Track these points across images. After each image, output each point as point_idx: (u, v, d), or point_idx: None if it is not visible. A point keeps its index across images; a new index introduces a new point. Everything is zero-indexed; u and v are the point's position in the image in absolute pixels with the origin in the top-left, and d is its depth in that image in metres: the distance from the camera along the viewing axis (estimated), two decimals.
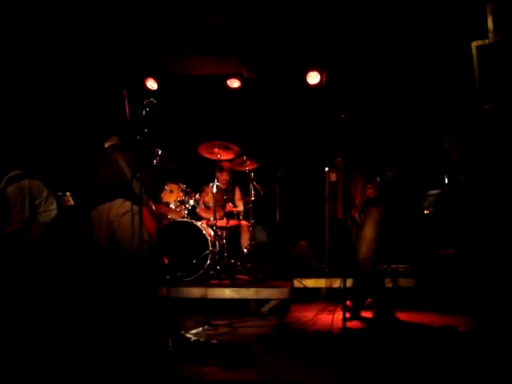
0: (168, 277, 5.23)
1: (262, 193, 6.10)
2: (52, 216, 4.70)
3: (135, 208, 3.86)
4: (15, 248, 4.53)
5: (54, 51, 6.05)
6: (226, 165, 6.16)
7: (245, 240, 6.14)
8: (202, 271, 5.32)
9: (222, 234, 5.92)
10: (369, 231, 4.20)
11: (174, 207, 5.69)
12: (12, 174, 4.62)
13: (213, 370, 2.90)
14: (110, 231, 4.14)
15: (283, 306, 4.81)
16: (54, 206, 4.77)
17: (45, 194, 4.74)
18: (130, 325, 3.80)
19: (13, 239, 4.51)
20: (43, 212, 4.65)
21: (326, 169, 6.10)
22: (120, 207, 4.03)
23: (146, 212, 4.10)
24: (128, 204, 4.02)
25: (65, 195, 5.34)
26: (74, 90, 6.71)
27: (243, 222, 6.23)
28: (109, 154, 4.21)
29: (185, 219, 5.58)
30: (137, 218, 3.69)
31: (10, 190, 4.48)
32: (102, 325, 3.98)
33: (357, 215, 4.25)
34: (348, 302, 4.44)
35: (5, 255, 4.46)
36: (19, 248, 4.53)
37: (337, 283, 5.36)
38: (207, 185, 6.05)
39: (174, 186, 5.76)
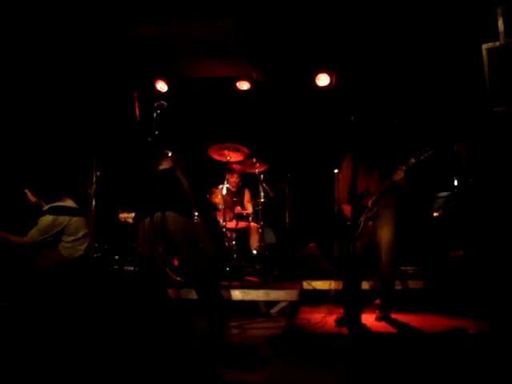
0: (178, 278, 5.27)
1: (271, 195, 6.10)
2: (76, 255, 4.54)
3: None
4: (27, 268, 4.51)
5: (63, 53, 6.11)
6: (237, 167, 6.18)
7: (254, 242, 6.15)
8: None
9: (232, 235, 5.93)
10: (387, 235, 4.21)
11: None
12: (60, 203, 4.55)
13: (222, 370, 2.92)
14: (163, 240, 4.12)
15: (292, 308, 4.82)
16: (84, 247, 4.60)
17: (81, 233, 4.59)
18: (141, 326, 3.83)
19: (27, 260, 4.51)
20: (70, 248, 4.52)
21: (336, 170, 6.11)
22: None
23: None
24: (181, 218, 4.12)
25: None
26: (85, 93, 6.78)
27: (252, 224, 6.24)
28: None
29: None
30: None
31: (46, 218, 4.44)
32: (113, 326, 4.03)
33: (370, 202, 4.17)
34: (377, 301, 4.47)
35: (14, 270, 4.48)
36: (32, 264, 4.50)
37: None
38: (217, 187, 6.07)
39: None
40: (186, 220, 4.10)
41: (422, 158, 4.02)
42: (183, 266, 5.14)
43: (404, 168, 4.06)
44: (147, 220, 3.89)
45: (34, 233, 4.43)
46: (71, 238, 4.54)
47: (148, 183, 4.01)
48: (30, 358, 3.14)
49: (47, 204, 4.56)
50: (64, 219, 4.50)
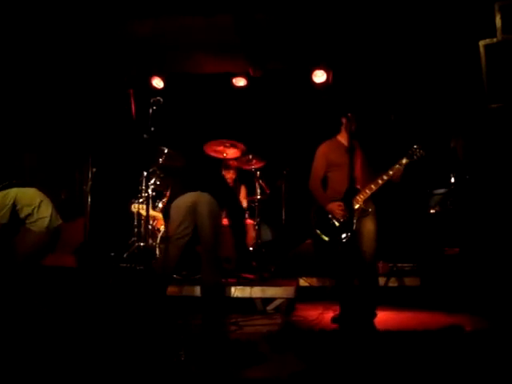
0: (174, 275, 5.25)
1: (267, 191, 6.09)
2: (45, 224, 4.45)
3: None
4: (8, 255, 4.52)
5: (59, 49, 6.07)
6: (233, 163, 6.15)
7: (250, 239, 6.13)
8: None
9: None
10: (373, 225, 4.03)
11: None
12: (4, 183, 4.53)
13: (220, 367, 2.91)
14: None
15: (289, 305, 4.81)
16: (48, 213, 4.51)
17: (37, 201, 4.50)
18: (140, 324, 3.82)
19: (5, 246, 4.52)
20: (36, 220, 4.44)
21: None
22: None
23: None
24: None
25: None
26: (80, 90, 6.74)
27: (249, 221, 6.22)
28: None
29: None
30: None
31: None
32: (109, 323, 4.01)
33: (362, 202, 3.97)
34: None
35: None
36: (12, 255, 4.51)
37: None
38: None
39: None
40: (218, 208, 4.07)
41: (415, 157, 3.93)
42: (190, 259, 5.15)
43: (397, 167, 3.94)
44: (182, 198, 3.91)
45: None
46: (30, 209, 4.46)
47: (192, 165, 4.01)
48: (25, 357, 3.12)
49: None
50: (13, 191, 4.45)
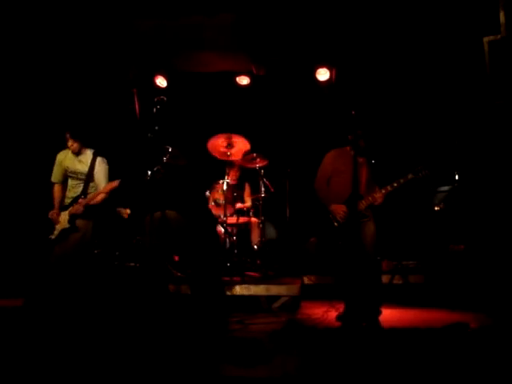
0: (179, 274, 5.27)
1: (271, 189, 6.10)
2: None
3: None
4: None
5: (63, 50, 6.09)
6: (237, 161, 6.16)
7: (255, 237, 6.13)
8: None
9: (232, 231, 5.93)
10: (372, 226, 4.17)
11: None
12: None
13: (225, 366, 2.92)
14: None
15: (294, 303, 4.82)
16: None
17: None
18: (143, 321, 3.84)
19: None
20: None
21: None
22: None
23: None
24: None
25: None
26: (84, 89, 6.75)
27: (253, 219, 6.23)
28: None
29: None
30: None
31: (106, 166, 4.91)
32: (116, 322, 4.03)
33: (364, 208, 4.13)
34: None
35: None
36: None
37: None
38: (217, 182, 6.06)
39: None
40: (186, 220, 4.09)
41: (420, 175, 4.07)
42: (184, 262, 5.16)
43: (402, 181, 4.08)
44: (155, 215, 3.91)
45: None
46: None
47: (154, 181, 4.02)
48: (33, 358, 3.14)
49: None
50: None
